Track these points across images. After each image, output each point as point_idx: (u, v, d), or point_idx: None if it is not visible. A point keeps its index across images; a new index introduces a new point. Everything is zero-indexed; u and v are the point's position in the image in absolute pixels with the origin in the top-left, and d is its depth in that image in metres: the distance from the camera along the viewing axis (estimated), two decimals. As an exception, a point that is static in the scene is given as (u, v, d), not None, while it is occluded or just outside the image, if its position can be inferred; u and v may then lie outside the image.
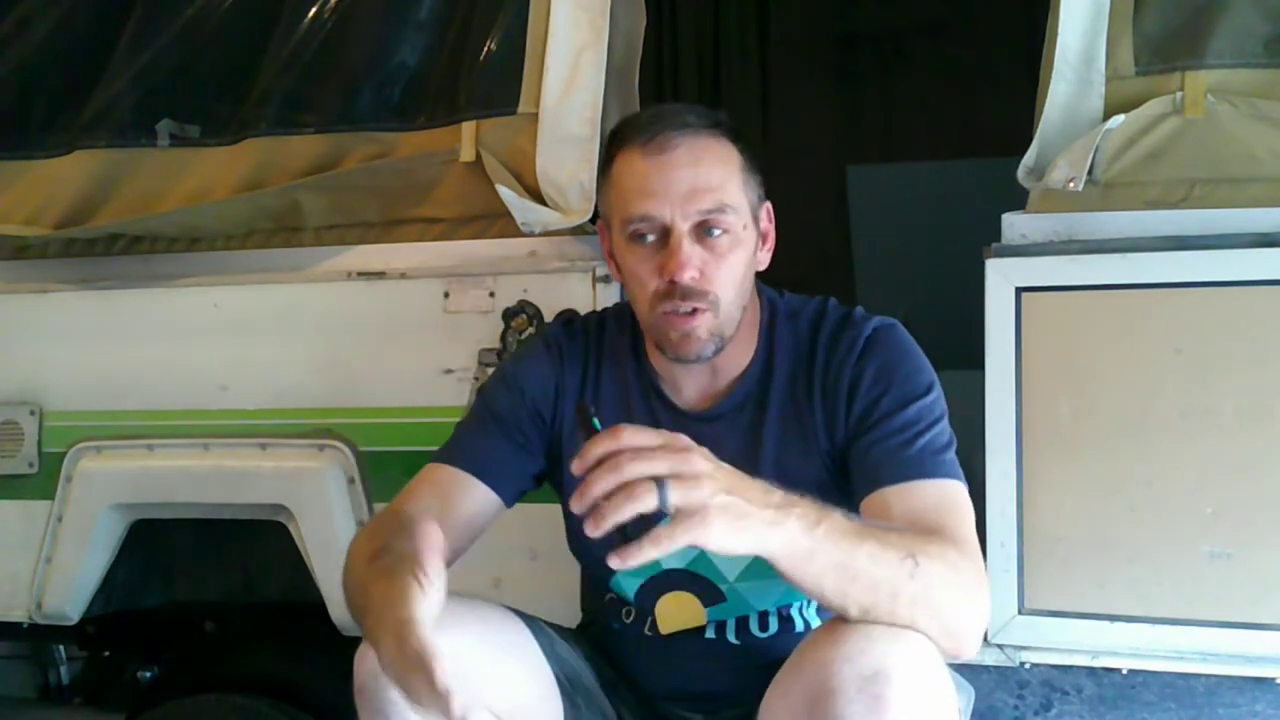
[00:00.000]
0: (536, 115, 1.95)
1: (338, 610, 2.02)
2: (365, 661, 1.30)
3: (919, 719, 1.16)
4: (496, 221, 2.00)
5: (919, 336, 1.51)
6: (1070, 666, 1.79)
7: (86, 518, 2.20)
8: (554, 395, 1.56)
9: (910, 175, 4.26)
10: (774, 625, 1.53)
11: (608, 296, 1.92)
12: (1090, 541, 1.75)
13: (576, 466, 1.14)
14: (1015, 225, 1.81)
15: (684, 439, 1.16)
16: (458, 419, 1.62)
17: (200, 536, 2.35)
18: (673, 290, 1.41)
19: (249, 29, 2.20)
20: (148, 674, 2.44)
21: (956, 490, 1.38)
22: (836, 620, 1.24)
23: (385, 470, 2.03)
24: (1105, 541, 1.75)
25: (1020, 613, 1.78)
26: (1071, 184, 1.73)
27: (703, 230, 1.42)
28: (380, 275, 2.06)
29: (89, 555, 2.20)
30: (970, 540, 1.32)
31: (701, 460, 1.15)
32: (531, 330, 1.96)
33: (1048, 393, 1.77)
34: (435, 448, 1.55)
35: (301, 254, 2.13)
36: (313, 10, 2.14)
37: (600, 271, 1.92)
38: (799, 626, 1.53)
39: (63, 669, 2.71)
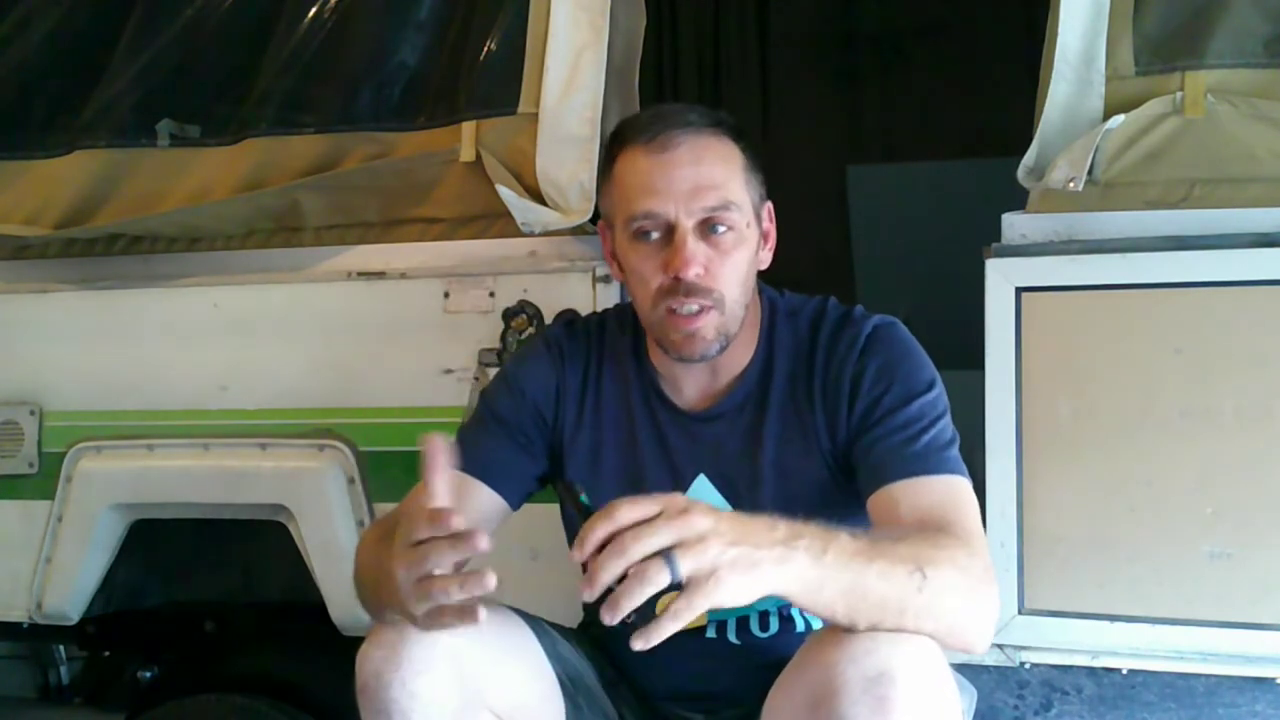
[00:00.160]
0: (536, 115, 1.95)
1: (338, 610, 2.02)
2: (368, 661, 1.30)
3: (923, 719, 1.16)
4: (496, 221, 2.00)
5: (919, 336, 1.51)
6: (1070, 666, 1.79)
7: (86, 518, 2.20)
8: (555, 396, 1.56)
9: (910, 175, 4.26)
10: (774, 625, 1.53)
11: (608, 297, 1.92)
12: (1090, 541, 1.75)
13: (576, 554, 1.12)
14: (1015, 225, 1.81)
15: (680, 499, 1.14)
16: (458, 419, 1.62)
17: (200, 536, 2.35)
18: (676, 287, 1.41)
19: (249, 29, 2.20)
20: (148, 674, 2.44)
21: (961, 486, 1.38)
22: (839, 621, 1.24)
23: (385, 470, 2.03)
24: (1105, 541, 1.75)
25: (1020, 613, 1.78)
26: (1071, 184, 1.73)
27: (707, 228, 1.42)
28: (380, 275, 2.06)
29: (89, 555, 2.20)
30: (976, 535, 1.32)
31: (702, 518, 1.12)
32: (531, 330, 1.96)
33: (1048, 393, 1.77)
34: (435, 448, 1.55)
35: (301, 254, 2.13)
36: (313, 10, 2.14)
37: (600, 271, 1.92)
38: (799, 626, 1.53)
39: (63, 669, 2.71)
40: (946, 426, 1.43)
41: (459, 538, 1.15)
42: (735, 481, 1.51)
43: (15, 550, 2.25)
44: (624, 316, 1.61)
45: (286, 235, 2.15)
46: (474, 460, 1.51)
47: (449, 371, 2.01)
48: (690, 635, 1.53)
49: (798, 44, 4.68)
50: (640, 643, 1.11)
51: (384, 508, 1.69)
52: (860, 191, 4.37)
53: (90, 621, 2.32)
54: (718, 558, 1.11)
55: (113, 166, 2.23)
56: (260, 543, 2.27)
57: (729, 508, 1.50)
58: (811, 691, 1.20)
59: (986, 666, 1.81)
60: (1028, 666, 1.81)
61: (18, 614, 2.26)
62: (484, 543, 1.14)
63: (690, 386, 1.53)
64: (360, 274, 2.08)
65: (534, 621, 1.48)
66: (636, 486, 1.52)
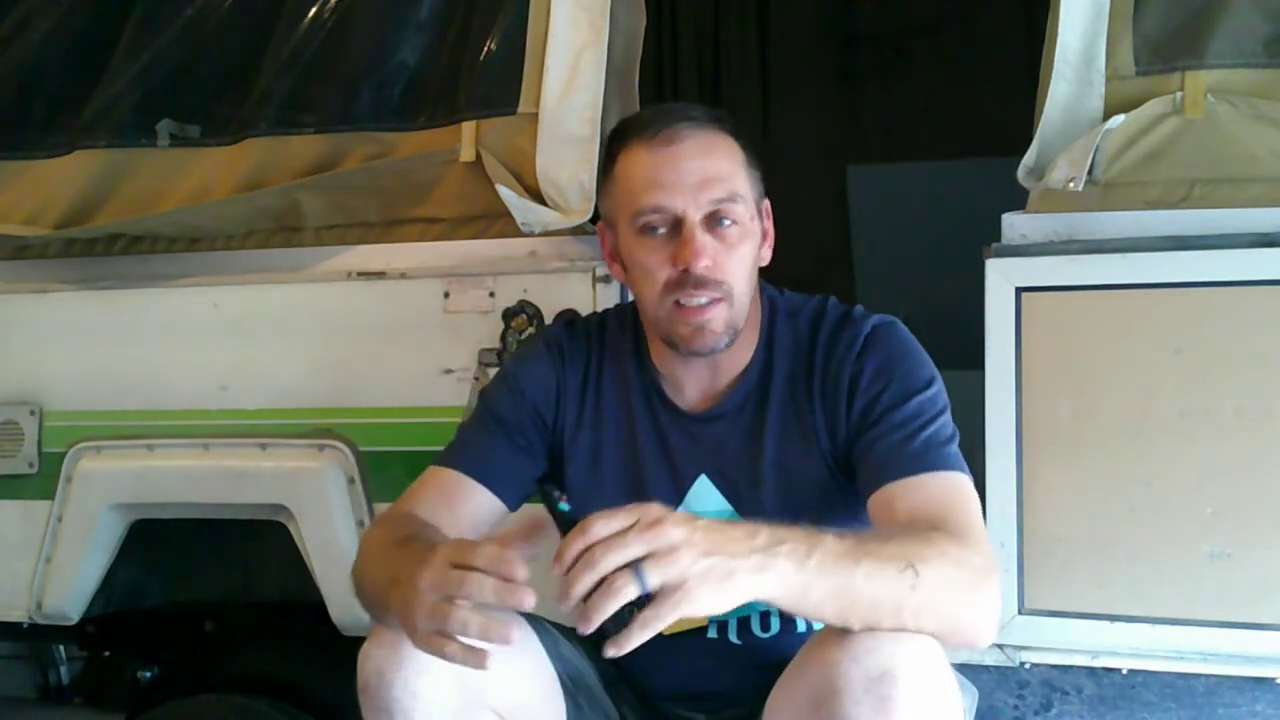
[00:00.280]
0: (536, 115, 1.95)
1: (338, 610, 2.02)
2: (369, 660, 1.30)
3: (925, 719, 1.16)
4: (496, 221, 2.00)
5: (919, 336, 1.51)
6: (1070, 666, 1.79)
7: (86, 518, 2.20)
8: (555, 397, 1.56)
9: (910, 175, 4.26)
10: (775, 625, 1.53)
11: (608, 297, 1.92)
12: (1090, 541, 1.75)
13: (556, 568, 1.14)
14: (1015, 225, 1.81)
15: (655, 510, 1.15)
16: (458, 419, 1.62)
17: (200, 536, 2.35)
18: (685, 279, 1.41)
19: (249, 29, 2.20)
20: (148, 674, 2.44)
21: (961, 482, 1.37)
22: (840, 621, 1.24)
23: (385, 470, 2.03)
24: (1105, 541, 1.75)
25: (1020, 613, 1.78)
26: (1071, 184, 1.73)
27: (713, 221, 1.43)
28: (380, 275, 2.06)
29: (89, 555, 2.20)
30: (975, 530, 1.32)
31: (675, 529, 1.13)
32: (531, 330, 1.96)
33: (1048, 393, 1.77)
34: (435, 448, 1.56)
35: (301, 254, 2.13)
36: (313, 10, 2.14)
37: (600, 271, 1.92)
38: (800, 627, 1.53)
39: (63, 669, 2.71)
40: (946, 424, 1.43)
41: (508, 585, 1.13)
42: (736, 482, 1.51)
43: (15, 550, 2.25)
44: (624, 316, 1.61)
45: (286, 235, 2.15)
46: (472, 460, 1.51)
47: (449, 371, 2.01)
48: (691, 635, 1.53)
49: (798, 44, 4.67)
50: (612, 650, 1.12)
51: (384, 508, 1.69)
52: (860, 191, 4.37)
53: (90, 621, 2.32)
54: (688, 569, 1.11)
55: (113, 166, 2.23)
56: (260, 543, 2.27)
57: (729, 508, 1.51)
58: (813, 691, 1.20)
59: (986, 666, 1.81)
60: (1028, 666, 1.81)
61: (18, 614, 2.26)
62: (530, 600, 1.13)
63: (691, 386, 1.53)
64: (360, 274, 2.08)
65: (535, 621, 1.48)
66: (637, 488, 1.53)
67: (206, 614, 2.39)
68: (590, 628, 1.11)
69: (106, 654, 2.54)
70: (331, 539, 2.03)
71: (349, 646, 1.34)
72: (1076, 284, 1.77)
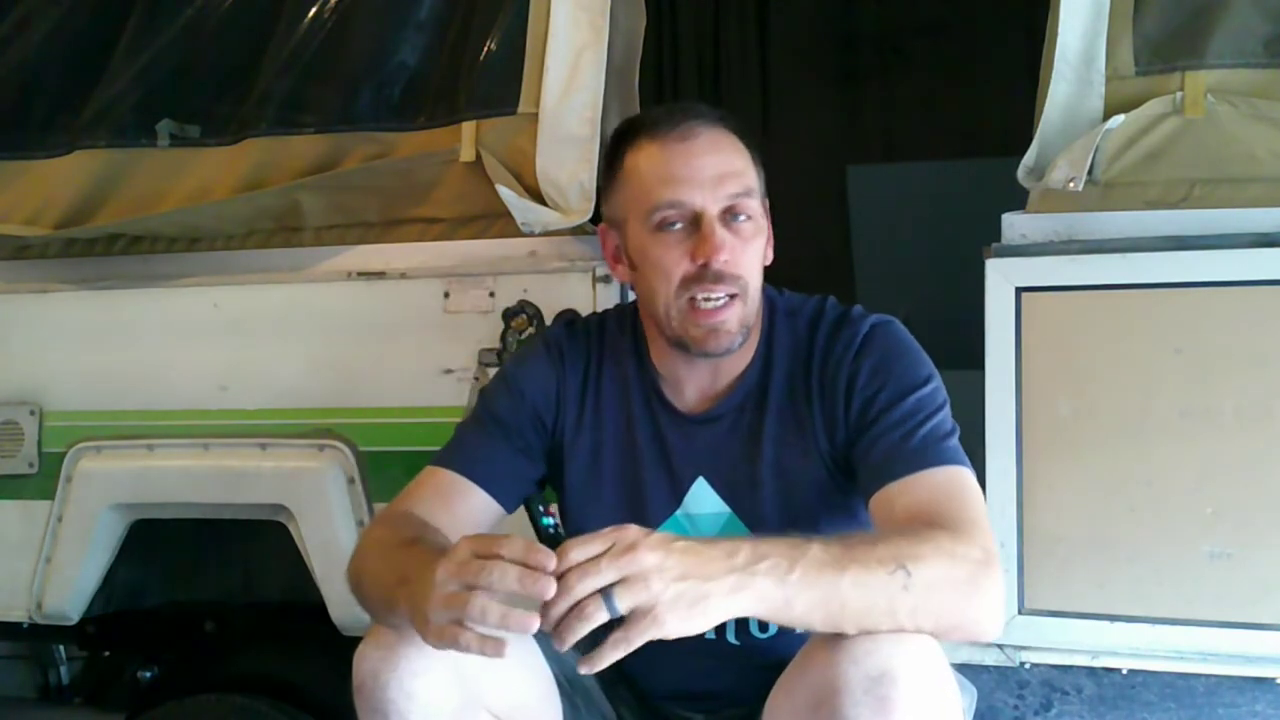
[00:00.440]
0: (536, 115, 1.95)
1: (338, 610, 2.02)
2: (365, 661, 1.30)
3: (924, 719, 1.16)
4: (496, 221, 2.00)
5: (919, 336, 1.51)
6: (1070, 666, 1.79)
7: (86, 518, 2.20)
8: (555, 399, 1.56)
9: (910, 175, 4.26)
10: (774, 626, 1.53)
11: (608, 297, 1.92)
12: (1090, 541, 1.75)
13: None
14: (1015, 225, 1.81)
15: (631, 534, 1.16)
16: (458, 419, 1.61)
17: (200, 536, 2.35)
18: (703, 275, 1.41)
19: (249, 29, 2.20)
20: (148, 674, 2.44)
21: (960, 476, 1.37)
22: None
23: (385, 470, 2.03)
24: (1105, 541, 1.75)
25: (1020, 613, 1.78)
26: (1071, 184, 1.73)
27: (729, 215, 1.43)
28: (380, 275, 2.06)
29: (89, 555, 2.20)
30: (974, 522, 1.31)
31: (649, 554, 1.14)
32: (531, 330, 1.96)
33: (1048, 393, 1.77)
34: (435, 448, 1.55)
35: (301, 254, 2.13)
36: (313, 10, 2.14)
37: (600, 271, 1.92)
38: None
39: (63, 669, 2.71)
40: (945, 419, 1.42)
41: (532, 573, 1.13)
42: (734, 484, 1.51)
43: (15, 550, 2.25)
44: (623, 317, 1.61)
45: (286, 235, 2.15)
46: (469, 462, 1.50)
47: (449, 371, 2.01)
48: (690, 636, 1.53)
49: (798, 44, 4.68)
50: (584, 668, 1.15)
51: (384, 508, 1.69)
52: (860, 191, 4.37)
53: (90, 621, 2.32)
54: (659, 595, 1.12)
55: (113, 166, 2.23)
56: (260, 543, 2.27)
57: (728, 510, 1.50)
58: (813, 692, 1.20)
59: (986, 666, 1.81)
60: (1028, 666, 1.81)
61: (18, 614, 2.26)
62: (552, 589, 1.13)
63: (691, 387, 1.53)
64: (360, 274, 2.08)
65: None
66: (636, 490, 1.53)
67: (206, 614, 2.39)
68: (565, 647, 1.14)
69: (106, 654, 2.54)
70: (331, 539, 2.03)
71: (349, 646, 1.34)
72: (1076, 284, 1.77)
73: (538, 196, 1.95)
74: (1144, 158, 1.74)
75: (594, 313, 1.70)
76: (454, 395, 1.99)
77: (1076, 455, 1.76)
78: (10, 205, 2.29)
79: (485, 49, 2.01)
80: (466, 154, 1.99)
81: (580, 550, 1.14)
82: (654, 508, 1.52)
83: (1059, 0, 1.77)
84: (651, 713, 1.57)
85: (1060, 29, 1.77)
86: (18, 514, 2.26)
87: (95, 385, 2.23)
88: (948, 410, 1.43)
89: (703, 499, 1.51)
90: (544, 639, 1.45)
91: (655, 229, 1.44)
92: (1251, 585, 1.69)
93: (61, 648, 2.68)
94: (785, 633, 1.52)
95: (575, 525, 1.56)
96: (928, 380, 1.44)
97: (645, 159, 1.45)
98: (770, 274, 1.54)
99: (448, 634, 1.16)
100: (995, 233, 1.82)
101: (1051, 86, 1.78)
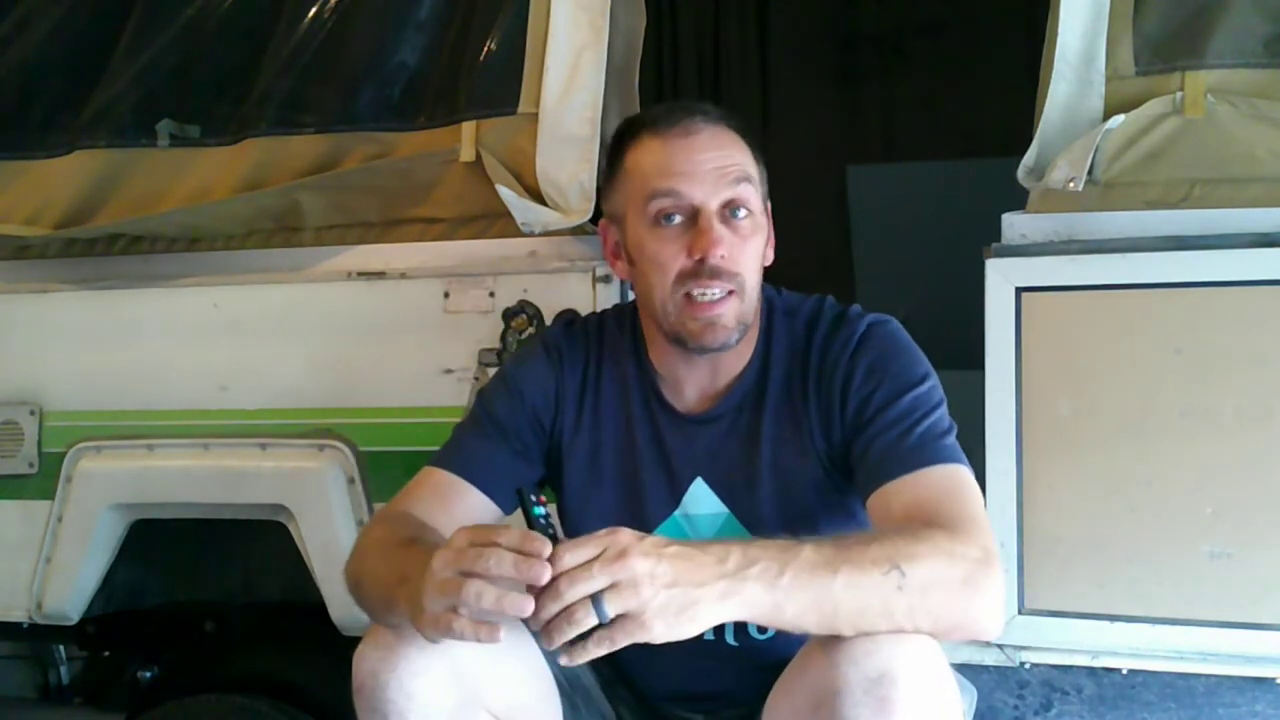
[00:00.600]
0: (536, 115, 1.95)
1: (338, 610, 2.02)
2: (364, 661, 1.30)
3: None
4: (496, 221, 2.00)
5: (918, 336, 1.51)
6: (1070, 666, 1.79)
7: (86, 518, 2.20)
8: (554, 401, 1.56)
9: (910, 175, 4.26)
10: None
11: (608, 296, 1.92)
12: (1090, 541, 1.75)
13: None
14: (1015, 225, 1.81)
15: (623, 539, 1.16)
16: (458, 419, 1.61)
17: (200, 536, 2.35)
18: (700, 270, 1.41)
19: (249, 29, 2.20)
20: (148, 674, 2.44)
21: (957, 473, 1.36)
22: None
23: (385, 470, 2.03)
24: (1105, 541, 1.75)
25: (1020, 613, 1.78)
26: (1071, 184, 1.73)
27: (728, 212, 1.43)
28: (380, 275, 2.06)
29: (89, 555, 2.20)
30: (972, 519, 1.30)
31: (640, 560, 1.14)
32: (531, 330, 1.96)
33: (1048, 393, 1.77)
34: (435, 448, 1.55)
35: (301, 254, 2.13)
36: (313, 10, 2.14)
37: (600, 271, 1.92)
38: (799, 627, 1.53)
39: (63, 669, 2.71)
40: (941, 417, 1.42)
41: (527, 559, 1.14)
42: (733, 484, 1.51)
43: (15, 550, 2.25)
44: (622, 317, 1.61)
45: (286, 235, 2.15)
46: (467, 463, 1.50)
47: (449, 371, 2.01)
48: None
49: (798, 44, 4.68)
50: (565, 659, 1.16)
51: (382, 508, 1.69)
52: (860, 191, 4.37)
53: (90, 621, 2.32)
54: (647, 601, 1.13)
55: (113, 166, 2.24)
56: (260, 543, 2.27)
57: (726, 510, 1.50)
58: (813, 693, 1.20)
59: (986, 666, 1.81)
60: (1028, 666, 1.81)
61: (18, 614, 2.26)
62: (546, 575, 1.14)
63: (690, 387, 1.53)
64: (360, 274, 2.08)
65: (532, 622, 1.48)
66: (634, 490, 1.53)
67: (206, 614, 2.39)
68: (554, 647, 1.15)
69: (106, 654, 2.54)
70: (331, 539, 2.03)
71: (349, 646, 1.34)
72: (1076, 284, 1.77)
73: (538, 196, 1.95)
74: (1144, 158, 1.74)
75: (593, 313, 1.69)
76: (454, 395, 1.99)
77: (1076, 455, 1.76)
78: (10, 205, 2.29)
79: (485, 49, 2.01)
80: (466, 154, 1.99)
81: (572, 555, 1.14)
82: (652, 508, 1.52)
83: (1059, 0, 1.77)
84: (651, 713, 1.57)
85: (1060, 29, 1.77)
86: (18, 514, 2.26)
87: (95, 385, 2.23)
88: (945, 408, 1.43)
89: (701, 499, 1.51)
90: (544, 639, 1.46)
91: (653, 223, 1.44)
92: (1251, 585, 1.69)
93: (61, 648, 2.68)
94: (784, 634, 1.51)
95: (574, 526, 1.56)
96: (924, 379, 1.44)
97: (646, 154, 1.45)
98: (770, 274, 1.54)
99: (442, 622, 1.17)
100: (995, 233, 1.82)
101: (1051, 86, 1.78)
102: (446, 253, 2.04)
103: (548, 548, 1.15)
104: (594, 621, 1.13)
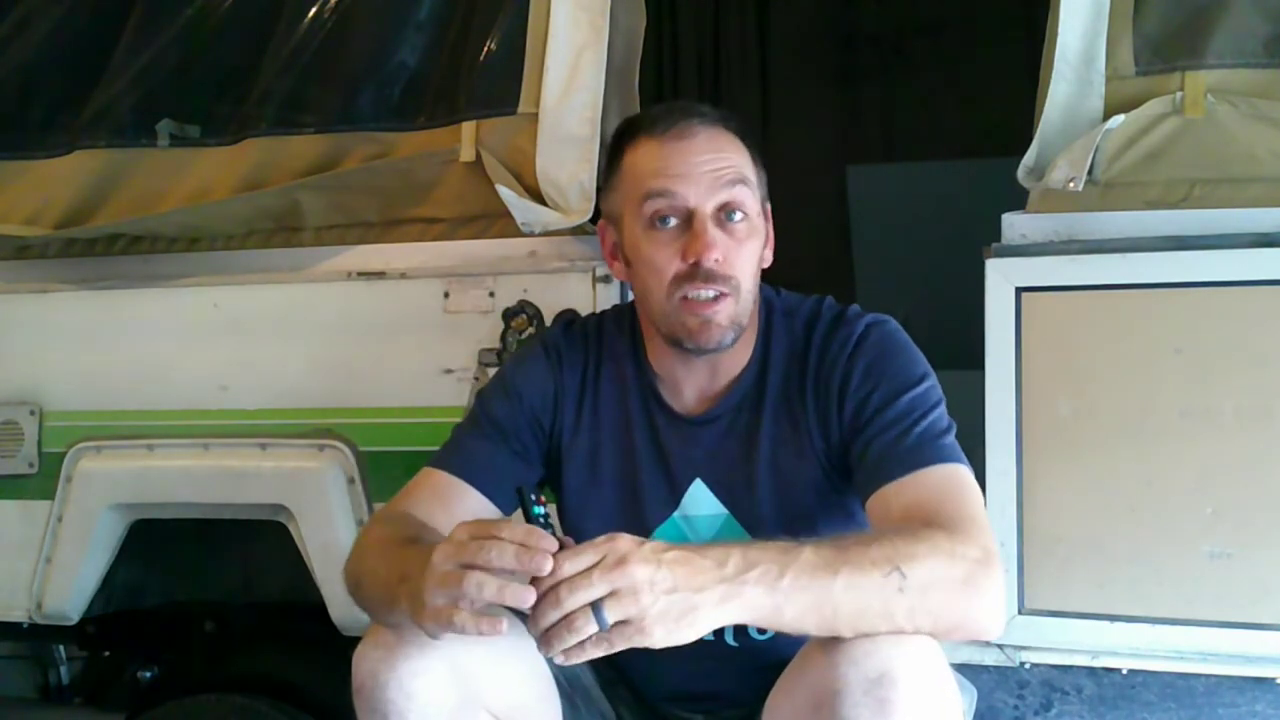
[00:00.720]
0: (536, 115, 1.95)
1: (338, 610, 2.02)
2: (364, 661, 1.30)
3: (923, 720, 1.16)
4: (496, 221, 2.00)
5: (918, 336, 1.51)
6: (1070, 666, 1.79)
7: (86, 518, 2.20)
8: (553, 402, 1.56)
9: (910, 175, 4.25)
10: (772, 627, 1.53)
11: (608, 296, 1.92)
12: (1090, 541, 1.75)
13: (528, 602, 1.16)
14: (1015, 225, 1.81)
15: (622, 545, 1.16)
16: (458, 419, 1.61)
17: (200, 536, 2.35)
18: (695, 273, 1.41)
19: (249, 29, 2.20)
20: (148, 674, 2.44)
21: (957, 473, 1.36)
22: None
23: (385, 470, 2.03)
24: (1105, 541, 1.75)
25: (1020, 613, 1.78)
26: (1071, 184, 1.73)
27: (723, 215, 1.43)
28: (380, 275, 2.06)
29: (89, 555, 2.20)
30: (972, 518, 1.30)
31: (639, 567, 1.14)
32: (531, 330, 1.96)
33: (1048, 393, 1.77)
34: (435, 448, 1.55)
35: (301, 254, 2.13)
36: (313, 10, 2.14)
37: (600, 271, 1.92)
38: (798, 627, 1.53)
39: (63, 669, 2.71)
40: (940, 417, 1.41)
41: (529, 550, 1.14)
42: (732, 485, 1.51)
43: (15, 550, 2.25)
44: (621, 318, 1.61)
45: (286, 235, 2.15)
46: (466, 464, 1.50)
47: (449, 371, 2.01)
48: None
49: (798, 44, 4.68)
50: (560, 659, 1.16)
51: (381, 509, 1.70)
52: (860, 191, 4.37)
53: (90, 621, 2.32)
54: (646, 608, 1.13)
55: (113, 166, 2.24)
56: (260, 543, 2.27)
57: (725, 511, 1.50)
58: (812, 693, 1.20)
59: (986, 666, 1.81)
60: (1028, 666, 1.81)
61: (18, 614, 2.26)
62: (548, 565, 1.14)
63: (689, 388, 1.53)
64: (360, 274, 2.08)
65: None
66: (633, 492, 1.53)
67: (206, 614, 2.39)
68: (552, 654, 1.15)
69: (106, 654, 2.54)
70: (331, 539, 2.03)
71: (349, 646, 1.34)
72: (1076, 284, 1.77)
73: (538, 196, 1.95)
74: (1144, 158, 1.74)
75: (592, 314, 1.69)
76: (454, 395, 1.99)
77: (1076, 455, 1.76)
78: (10, 205, 2.29)
79: (485, 49, 2.01)
80: (466, 154, 1.99)
81: (572, 563, 1.14)
82: (652, 509, 1.52)
83: (1059, 0, 1.77)
84: (651, 713, 1.57)
85: (1060, 29, 1.77)
86: (18, 514, 2.26)
87: (95, 385, 2.23)
88: (943, 408, 1.43)
89: (700, 500, 1.51)
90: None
91: (648, 225, 1.44)
92: (1251, 585, 1.69)
93: (61, 648, 2.68)
94: (784, 634, 1.52)
95: (573, 527, 1.56)
96: (922, 379, 1.44)
97: (642, 155, 1.45)
98: (770, 274, 1.54)
99: (444, 615, 1.17)
100: (995, 233, 1.82)
101: (1051, 86, 1.78)
102: (446, 253, 2.04)
103: (551, 542, 1.15)
104: (594, 629, 1.13)
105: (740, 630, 1.51)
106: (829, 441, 1.46)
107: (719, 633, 1.50)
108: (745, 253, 1.44)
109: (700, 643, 1.51)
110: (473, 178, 1.99)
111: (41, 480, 2.25)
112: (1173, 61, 1.74)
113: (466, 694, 1.30)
